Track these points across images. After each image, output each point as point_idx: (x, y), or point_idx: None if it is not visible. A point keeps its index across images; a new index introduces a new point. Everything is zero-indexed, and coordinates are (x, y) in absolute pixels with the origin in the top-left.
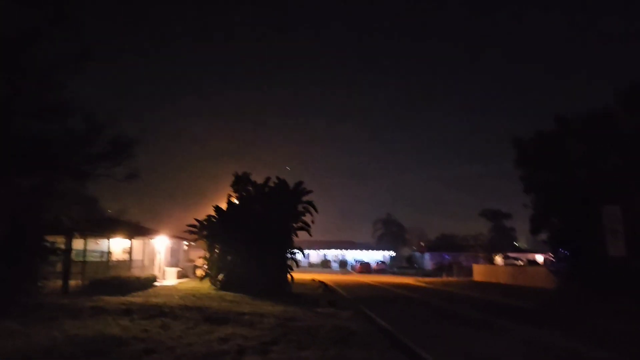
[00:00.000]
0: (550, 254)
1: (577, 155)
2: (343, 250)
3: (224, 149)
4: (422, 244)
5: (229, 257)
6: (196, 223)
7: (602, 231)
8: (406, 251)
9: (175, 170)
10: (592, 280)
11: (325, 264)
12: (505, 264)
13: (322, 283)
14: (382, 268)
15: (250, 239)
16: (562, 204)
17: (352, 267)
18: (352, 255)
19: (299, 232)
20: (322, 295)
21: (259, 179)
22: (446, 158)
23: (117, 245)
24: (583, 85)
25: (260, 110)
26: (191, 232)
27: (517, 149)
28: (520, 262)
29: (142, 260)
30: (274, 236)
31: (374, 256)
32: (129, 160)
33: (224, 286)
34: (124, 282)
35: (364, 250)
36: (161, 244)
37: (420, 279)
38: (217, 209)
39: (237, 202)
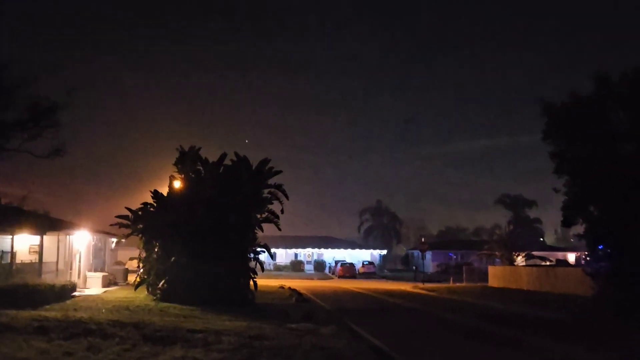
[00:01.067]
0: (586, 252)
1: (623, 126)
2: (320, 248)
3: (166, 117)
4: (422, 239)
5: (172, 258)
6: (129, 214)
7: None
8: (401, 249)
9: (101, 145)
10: None
11: (297, 266)
12: (529, 265)
13: (293, 291)
14: (371, 271)
15: (201, 234)
16: (603, 187)
17: (332, 270)
18: (332, 255)
19: (265, 225)
20: (295, 306)
21: (212, 155)
22: (454, 130)
23: (23, 243)
24: (629, 40)
25: (215, 67)
26: (121, 226)
27: (547, 117)
28: (548, 263)
29: (57, 263)
30: (232, 230)
31: (360, 256)
32: (50, 130)
33: (166, 296)
34: (34, 291)
35: (347, 249)
36: (82, 241)
37: (419, 284)
38: (156, 194)
39: (183, 185)
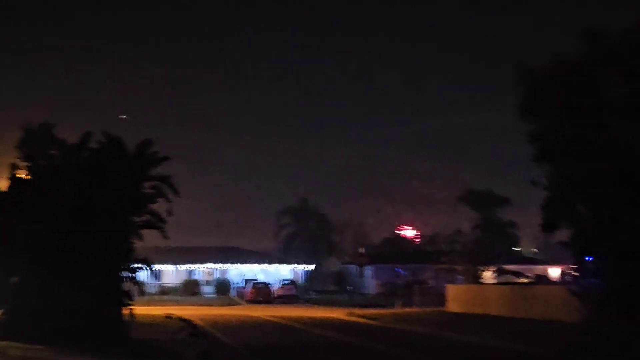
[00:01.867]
0: (573, 265)
1: (622, 99)
2: (224, 264)
3: (8, 83)
4: (361, 250)
5: (14, 279)
6: None
7: None
8: (334, 263)
9: None
10: None
11: (191, 287)
12: (500, 283)
13: (186, 322)
14: (292, 293)
15: (55, 246)
16: (596, 179)
17: (241, 293)
18: (240, 273)
19: (146, 232)
20: (187, 343)
21: (70, 136)
22: (405, 105)
23: None
24: None
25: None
26: None
27: (525, 86)
28: (525, 280)
29: None
30: (98, 239)
31: (278, 273)
32: None
33: (5, 331)
34: None
35: (261, 264)
36: None
37: (356, 310)
38: None
39: (30, 178)
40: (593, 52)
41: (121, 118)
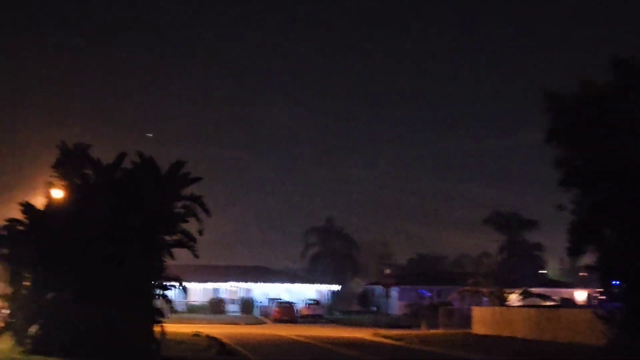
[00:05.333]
0: (599, 289)
1: None
2: (249, 282)
3: (44, 104)
4: (386, 271)
5: (49, 295)
6: None
7: None
8: (358, 284)
9: None
10: None
11: (217, 306)
12: (526, 306)
13: (213, 340)
14: (317, 313)
15: (89, 263)
16: (623, 205)
17: (265, 312)
18: (265, 292)
19: (177, 251)
20: None
21: (105, 156)
22: (433, 127)
23: None
24: None
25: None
26: None
27: (552, 111)
28: (551, 303)
29: None
30: (131, 257)
31: (303, 292)
32: None
33: (40, 345)
34: None
35: (286, 283)
36: None
37: (381, 331)
38: (28, 208)
39: (66, 196)
40: (620, 78)
41: (148, 136)
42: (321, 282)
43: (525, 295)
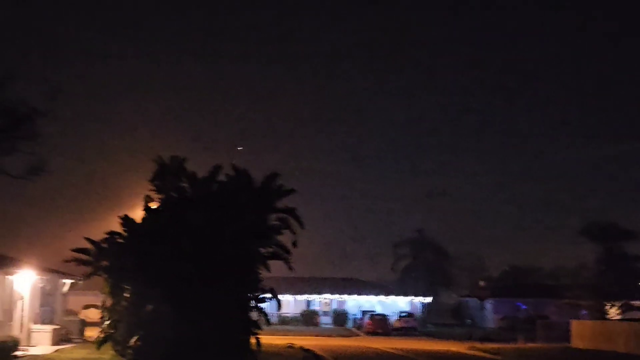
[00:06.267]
0: None
1: None
2: (341, 294)
3: (145, 119)
4: (480, 283)
5: (148, 307)
6: (89, 246)
7: None
8: (451, 296)
9: (56, 157)
10: None
11: (309, 318)
12: (626, 320)
13: (308, 352)
14: (411, 325)
15: (187, 275)
16: None
17: (358, 324)
18: (357, 304)
19: (271, 263)
20: None
21: (200, 169)
22: (532, 130)
23: None
24: None
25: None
26: (80, 262)
27: None
28: None
29: None
30: (227, 269)
31: (395, 305)
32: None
33: (140, 356)
34: None
35: (378, 295)
36: (25, 283)
37: (477, 344)
38: (127, 221)
39: (162, 209)
40: None
41: (238, 150)
42: (413, 295)
43: (626, 308)
